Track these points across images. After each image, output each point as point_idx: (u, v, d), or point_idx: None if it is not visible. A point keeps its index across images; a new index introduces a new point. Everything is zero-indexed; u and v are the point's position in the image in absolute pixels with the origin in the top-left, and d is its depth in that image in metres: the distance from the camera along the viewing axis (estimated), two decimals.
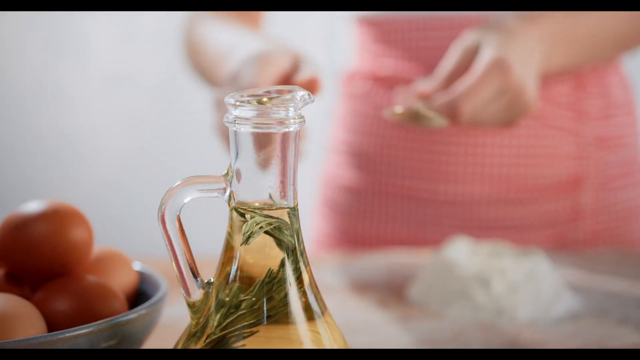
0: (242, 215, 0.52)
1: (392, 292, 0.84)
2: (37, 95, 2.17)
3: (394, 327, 0.75)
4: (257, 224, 0.52)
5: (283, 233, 0.52)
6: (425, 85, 0.86)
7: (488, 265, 0.79)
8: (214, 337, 0.51)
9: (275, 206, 0.51)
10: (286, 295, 0.51)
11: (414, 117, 0.83)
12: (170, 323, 0.72)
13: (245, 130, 0.50)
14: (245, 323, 0.51)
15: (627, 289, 0.84)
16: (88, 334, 0.52)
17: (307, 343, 0.51)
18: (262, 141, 0.51)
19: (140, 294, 0.65)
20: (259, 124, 0.50)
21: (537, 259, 0.80)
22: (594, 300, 0.80)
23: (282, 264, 0.51)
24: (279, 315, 0.51)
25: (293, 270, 0.52)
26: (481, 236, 1.00)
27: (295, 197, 0.52)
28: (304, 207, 1.08)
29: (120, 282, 0.62)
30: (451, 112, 0.82)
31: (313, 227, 1.13)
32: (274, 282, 0.51)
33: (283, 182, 0.51)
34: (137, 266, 0.66)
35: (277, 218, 0.51)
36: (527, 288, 0.77)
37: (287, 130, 0.50)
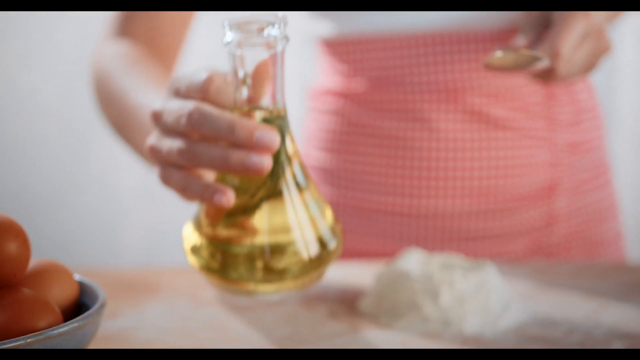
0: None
1: (344, 303, 0.83)
2: None
3: (341, 338, 0.75)
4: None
5: (279, 126, 0.72)
6: (520, 40, 0.92)
7: (438, 276, 0.79)
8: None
9: (269, 107, 0.71)
10: (284, 171, 0.73)
11: (518, 60, 0.89)
12: (113, 334, 0.71)
13: (242, 52, 0.68)
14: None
15: (577, 300, 0.84)
16: (16, 347, 0.52)
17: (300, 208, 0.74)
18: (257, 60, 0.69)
19: (81, 306, 0.65)
20: (254, 45, 0.68)
21: (488, 270, 0.80)
22: (542, 312, 0.80)
23: (282, 145, 0.72)
24: (280, 188, 0.73)
25: (287, 151, 0.73)
26: (457, 248, 1.01)
27: (283, 101, 0.71)
28: None
29: (59, 294, 0.62)
30: (552, 54, 0.88)
31: None
32: (278, 162, 0.72)
33: (273, 89, 0.70)
34: (78, 278, 0.66)
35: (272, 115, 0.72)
36: (475, 300, 0.77)
37: (274, 52, 0.69)
